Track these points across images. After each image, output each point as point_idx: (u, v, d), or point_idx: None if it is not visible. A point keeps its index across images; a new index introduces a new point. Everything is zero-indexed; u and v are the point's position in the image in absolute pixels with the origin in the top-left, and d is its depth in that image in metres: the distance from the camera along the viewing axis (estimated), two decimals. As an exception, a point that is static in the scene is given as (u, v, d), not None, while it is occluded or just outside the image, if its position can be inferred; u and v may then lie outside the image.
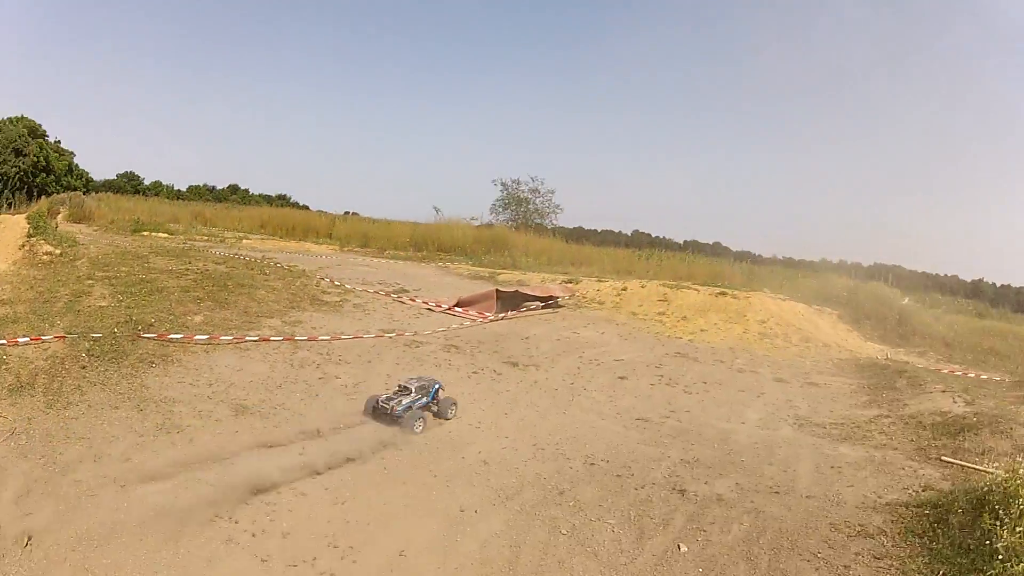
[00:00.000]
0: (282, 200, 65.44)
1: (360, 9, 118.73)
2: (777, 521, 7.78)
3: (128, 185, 58.94)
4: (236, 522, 6.83)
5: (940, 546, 6.94)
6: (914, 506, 8.02)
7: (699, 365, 16.35)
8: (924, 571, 6.60)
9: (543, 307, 21.44)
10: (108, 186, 53.72)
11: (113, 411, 9.09)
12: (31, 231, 17.24)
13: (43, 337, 11.00)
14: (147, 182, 61.94)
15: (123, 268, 16.44)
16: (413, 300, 19.94)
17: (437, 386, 10.71)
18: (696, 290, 23.53)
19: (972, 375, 17.59)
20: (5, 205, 29.91)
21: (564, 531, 7.25)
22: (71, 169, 51.10)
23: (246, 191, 66.32)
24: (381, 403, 10.04)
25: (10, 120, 46.51)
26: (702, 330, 20.43)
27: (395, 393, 10.30)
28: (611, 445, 10.04)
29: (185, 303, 14.30)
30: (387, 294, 20.32)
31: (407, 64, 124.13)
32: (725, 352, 18.18)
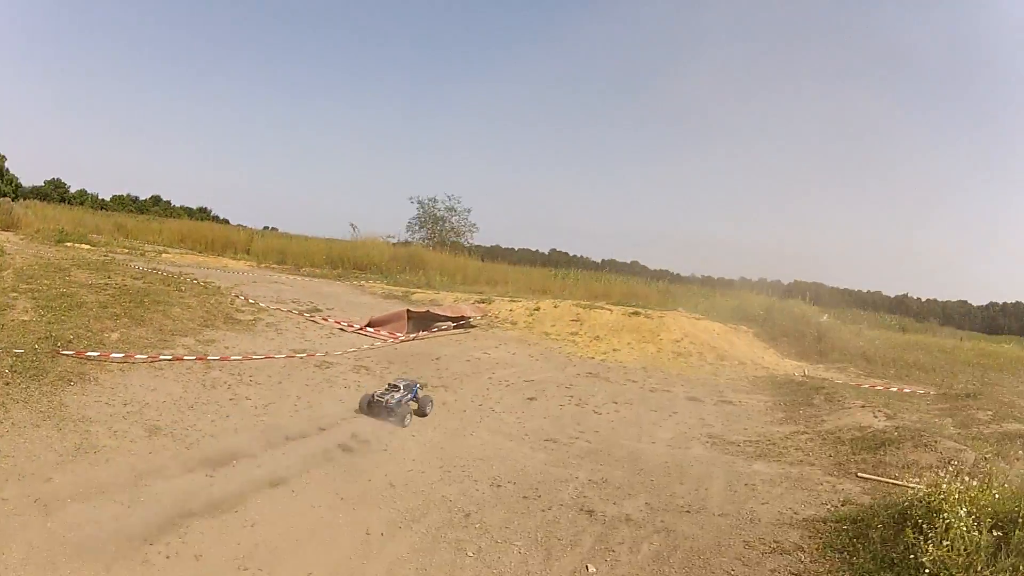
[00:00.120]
0: (203, 213, 66.36)
1: (279, 25, 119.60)
2: (689, 540, 7.69)
3: (55, 193, 59.24)
4: (151, 544, 6.69)
5: (862, 561, 6.80)
6: (833, 521, 7.89)
7: (610, 385, 16.15)
8: (845, 586, 6.58)
9: (455, 327, 21.10)
10: (36, 193, 53.98)
11: (35, 429, 8.95)
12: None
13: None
14: (73, 190, 62.76)
15: (46, 281, 15.86)
16: (326, 320, 19.45)
17: (417, 386, 11.95)
18: (609, 310, 23.51)
19: (895, 389, 17.85)
20: None
21: (470, 553, 7.17)
22: (2, 174, 48.75)
23: (168, 203, 67.74)
24: (377, 397, 11.14)
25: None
26: (615, 350, 20.28)
27: (386, 390, 11.37)
28: (519, 467, 9.98)
29: (103, 319, 13.95)
30: (300, 313, 19.77)
31: (329, 79, 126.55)
32: (638, 371, 18.03)
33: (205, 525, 7.16)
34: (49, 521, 6.81)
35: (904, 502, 7.21)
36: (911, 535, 6.23)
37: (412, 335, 19.08)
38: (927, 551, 5.88)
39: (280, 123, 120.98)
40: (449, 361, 16.34)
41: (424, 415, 11.67)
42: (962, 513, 6.00)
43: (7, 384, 10.06)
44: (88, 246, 28.19)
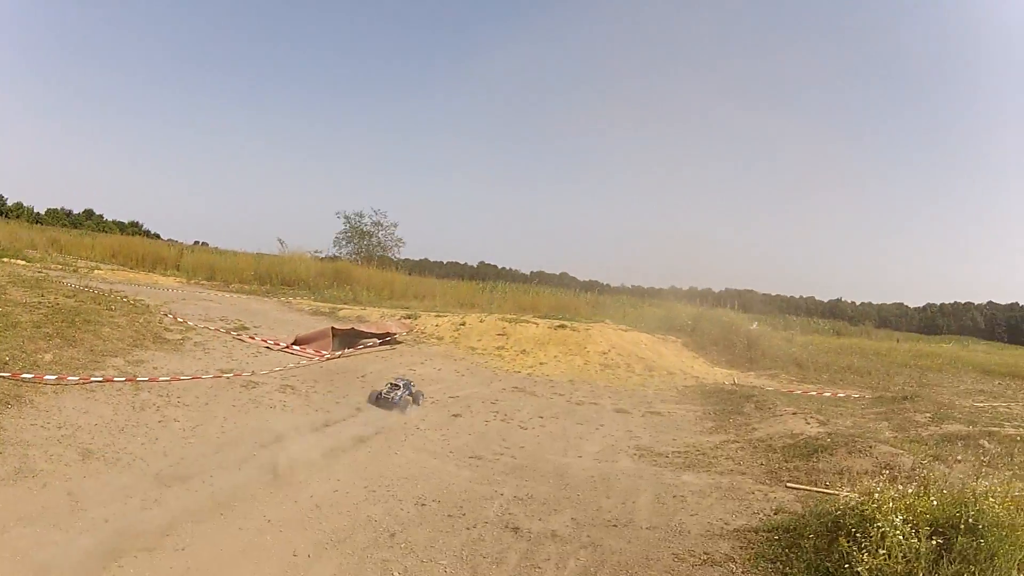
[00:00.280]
0: (135, 227, 66.47)
1: (214, 33, 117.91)
2: (616, 554, 7.43)
3: (-9, 206, 58.72)
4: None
5: (794, 571, 6.55)
6: (765, 531, 7.60)
7: (536, 399, 15.86)
8: (779, 596, 6.45)
9: (381, 343, 20.59)
10: (-30, 206, 52.58)
11: (-26, 453, 8.73)
12: None
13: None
14: (10, 203, 62.58)
15: (-19, 299, 15.22)
16: (252, 338, 18.82)
17: (412, 384, 14.14)
18: (535, 323, 23.34)
19: (828, 394, 17.96)
20: None
21: (396, 573, 7.11)
22: (-59, 187, 46.59)
23: (101, 216, 68.06)
24: (384, 395, 13.45)
25: None
26: (541, 363, 20.04)
27: (390, 388, 13.66)
28: (443, 485, 9.73)
29: (36, 340, 13.53)
30: (228, 331, 19.19)
31: (259, 91, 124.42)
32: (564, 385, 17.80)
33: (139, 550, 7.04)
34: None
35: (836, 511, 6.99)
36: (845, 544, 5.97)
37: (338, 353, 18.64)
38: (862, 560, 5.62)
39: (212, 135, 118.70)
40: (375, 379, 15.82)
41: (418, 404, 13.85)
42: (897, 520, 5.76)
43: (-52, 407, 9.93)
44: (23, 262, 28.06)
